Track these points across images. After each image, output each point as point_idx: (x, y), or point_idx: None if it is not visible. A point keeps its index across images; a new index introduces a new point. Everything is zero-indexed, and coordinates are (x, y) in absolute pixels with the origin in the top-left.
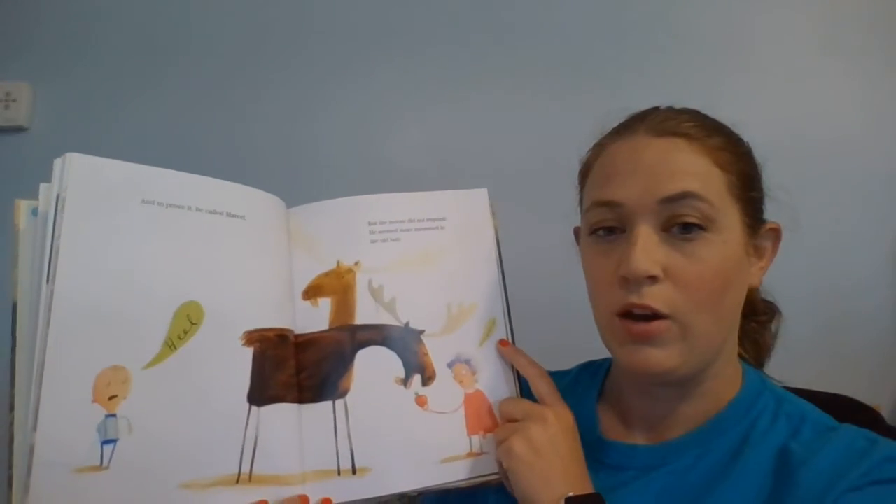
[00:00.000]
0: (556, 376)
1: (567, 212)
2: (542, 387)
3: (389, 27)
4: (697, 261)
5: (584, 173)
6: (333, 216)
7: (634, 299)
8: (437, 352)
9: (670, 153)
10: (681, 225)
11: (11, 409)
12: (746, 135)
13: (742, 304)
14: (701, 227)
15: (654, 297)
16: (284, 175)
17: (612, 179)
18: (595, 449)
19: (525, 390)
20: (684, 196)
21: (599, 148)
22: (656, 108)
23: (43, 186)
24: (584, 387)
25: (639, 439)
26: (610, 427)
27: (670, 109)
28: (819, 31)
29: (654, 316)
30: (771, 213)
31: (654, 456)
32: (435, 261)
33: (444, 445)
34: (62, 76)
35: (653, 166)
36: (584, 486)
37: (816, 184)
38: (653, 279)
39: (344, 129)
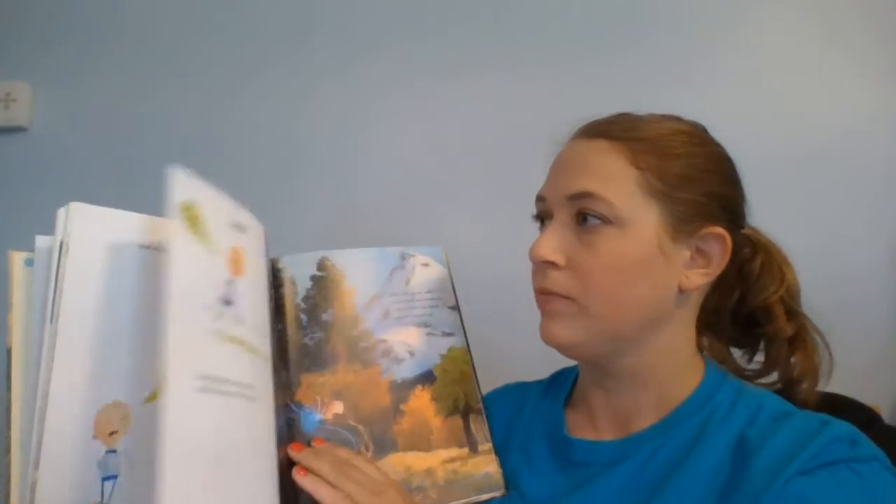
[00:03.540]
0: (532, 385)
1: None
2: None
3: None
4: (594, 252)
5: None
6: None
7: (538, 282)
8: None
9: (587, 153)
10: (583, 218)
11: (8, 451)
12: (744, 131)
13: (667, 299)
14: (601, 221)
15: (552, 281)
16: (276, 172)
17: (548, 176)
18: (562, 448)
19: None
20: (584, 195)
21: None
22: (620, 114)
23: (39, 238)
24: (555, 391)
25: (604, 436)
26: (577, 426)
27: (621, 115)
28: (821, 27)
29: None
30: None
31: (617, 450)
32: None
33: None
34: (62, 76)
35: (569, 165)
36: None
37: (815, 182)
38: (553, 265)
39: (335, 125)
